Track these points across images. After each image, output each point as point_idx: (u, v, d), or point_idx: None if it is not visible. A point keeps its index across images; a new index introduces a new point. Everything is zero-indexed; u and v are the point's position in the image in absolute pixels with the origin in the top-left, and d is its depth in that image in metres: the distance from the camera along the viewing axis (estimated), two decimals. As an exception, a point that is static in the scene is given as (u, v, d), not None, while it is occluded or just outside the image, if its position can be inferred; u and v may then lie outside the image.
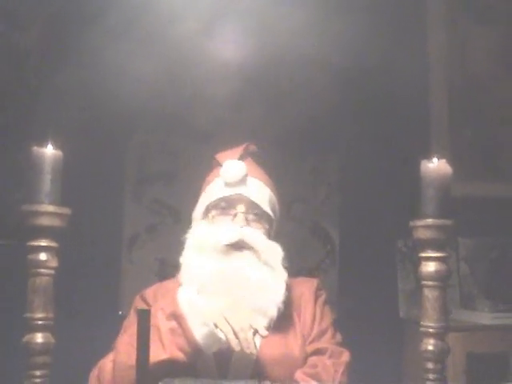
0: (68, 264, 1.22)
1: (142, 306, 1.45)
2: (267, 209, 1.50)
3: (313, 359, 1.42)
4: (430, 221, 1.17)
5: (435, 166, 1.19)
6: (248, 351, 1.24)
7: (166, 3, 2.35)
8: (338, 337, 1.50)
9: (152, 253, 2.48)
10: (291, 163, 2.60)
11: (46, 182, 1.13)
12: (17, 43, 2.41)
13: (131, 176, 2.52)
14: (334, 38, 2.35)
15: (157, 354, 1.23)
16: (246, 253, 1.41)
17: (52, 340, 1.14)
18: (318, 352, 1.43)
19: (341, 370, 1.40)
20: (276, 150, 2.56)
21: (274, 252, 1.45)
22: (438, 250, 1.18)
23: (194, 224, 1.54)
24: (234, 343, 1.24)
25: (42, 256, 1.13)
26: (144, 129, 2.52)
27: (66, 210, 1.15)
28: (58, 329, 1.15)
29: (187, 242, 1.47)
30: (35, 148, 1.14)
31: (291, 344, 1.41)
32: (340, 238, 2.59)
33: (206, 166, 1.63)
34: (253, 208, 1.47)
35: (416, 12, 2.70)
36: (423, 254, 1.19)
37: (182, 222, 2.53)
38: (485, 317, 2.29)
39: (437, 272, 1.17)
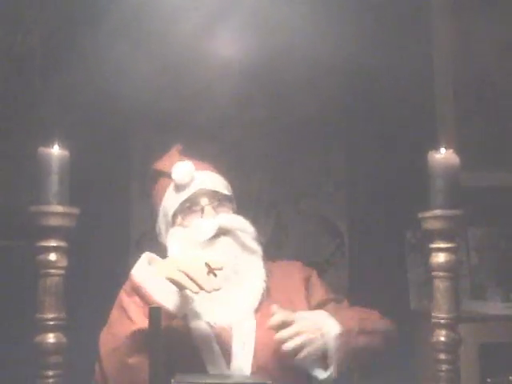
0: (77, 264, 1.23)
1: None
2: (225, 191, 1.59)
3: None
4: (438, 211, 1.16)
5: (442, 156, 1.19)
6: (210, 290, 1.25)
7: (169, 3, 2.35)
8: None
9: (159, 252, 2.48)
10: (298, 158, 2.60)
11: (54, 183, 1.14)
12: (20, 44, 2.42)
13: (138, 174, 2.52)
14: (338, 33, 2.33)
15: (127, 328, 1.26)
16: (224, 238, 1.48)
17: (64, 340, 1.14)
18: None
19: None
20: (282, 145, 2.56)
21: (247, 229, 1.53)
22: (447, 240, 1.17)
23: (161, 237, 1.61)
24: (192, 288, 1.25)
25: (52, 256, 1.13)
26: (149, 128, 2.52)
27: (74, 210, 1.15)
28: (69, 329, 1.16)
29: (170, 246, 1.52)
30: (42, 149, 1.15)
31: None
32: (349, 232, 2.59)
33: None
34: (213, 197, 1.55)
35: (419, 3, 2.68)
36: (433, 245, 1.19)
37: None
38: (496, 307, 2.28)
39: (447, 262, 1.17)
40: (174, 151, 1.63)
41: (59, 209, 1.13)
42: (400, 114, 2.53)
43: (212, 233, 1.47)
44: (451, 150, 1.20)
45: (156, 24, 2.38)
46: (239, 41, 2.44)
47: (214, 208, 1.53)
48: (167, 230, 1.57)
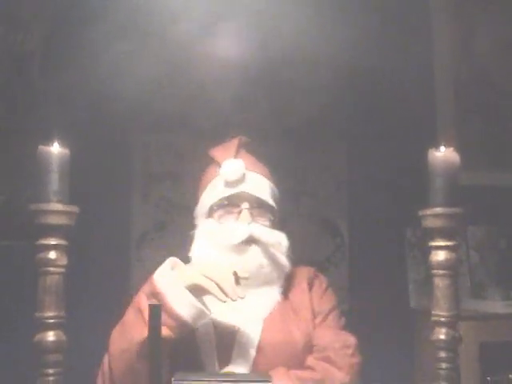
0: (77, 262, 1.23)
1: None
2: (269, 201, 1.53)
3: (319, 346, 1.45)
4: (438, 209, 1.17)
5: (442, 154, 1.19)
6: (235, 298, 1.24)
7: (169, 3, 2.35)
8: (342, 320, 1.54)
9: (161, 250, 2.48)
10: (298, 158, 2.60)
11: (54, 181, 1.13)
12: (20, 44, 2.42)
13: (138, 174, 2.52)
14: (339, 32, 2.33)
15: (141, 333, 1.22)
16: (254, 247, 1.45)
17: (64, 338, 1.14)
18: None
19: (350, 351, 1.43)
20: (283, 145, 2.56)
21: (280, 244, 1.50)
22: (447, 238, 1.17)
23: (198, 221, 1.57)
24: (220, 296, 1.25)
25: (52, 254, 1.13)
26: (150, 128, 2.52)
27: (74, 209, 1.15)
28: (68, 327, 1.16)
29: (197, 238, 1.51)
30: (42, 147, 1.15)
31: (292, 329, 1.44)
32: (349, 231, 2.59)
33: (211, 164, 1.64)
34: (256, 202, 1.50)
35: (419, 3, 2.69)
36: (433, 243, 1.19)
37: (190, 219, 2.53)
38: (496, 305, 2.28)
39: (446, 260, 1.17)
40: (234, 142, 1.57)
41: (59, 207, 1.13)
42: (400, 113, 2.53)
43: (242, 239, 1.43)
44: (451, 148, 1.20)
45: (157, 24, 2.38)
46: (241, 41, 2.44)
47: (251, 214, 1.48)
48: (201, 220, 1.55)
